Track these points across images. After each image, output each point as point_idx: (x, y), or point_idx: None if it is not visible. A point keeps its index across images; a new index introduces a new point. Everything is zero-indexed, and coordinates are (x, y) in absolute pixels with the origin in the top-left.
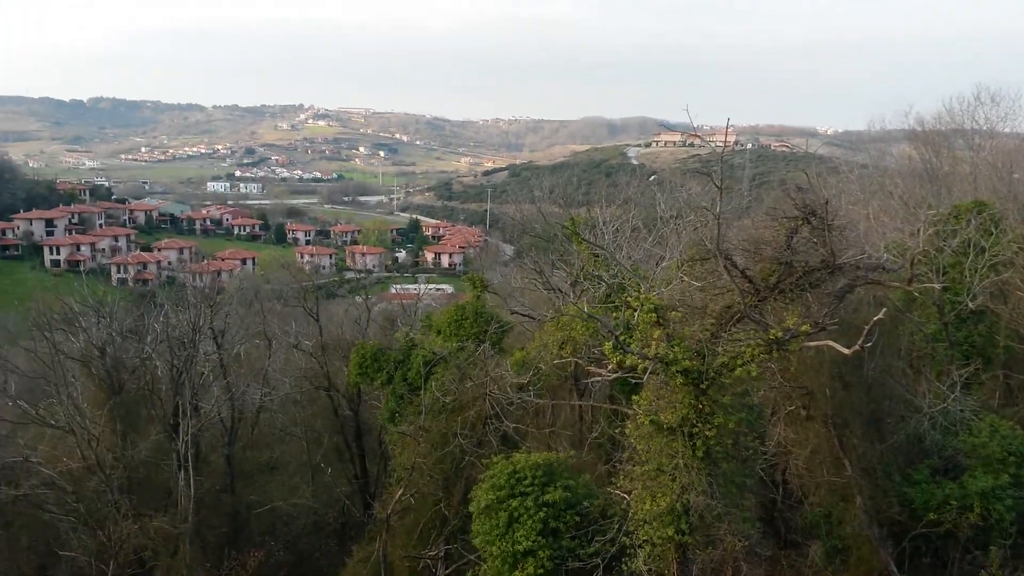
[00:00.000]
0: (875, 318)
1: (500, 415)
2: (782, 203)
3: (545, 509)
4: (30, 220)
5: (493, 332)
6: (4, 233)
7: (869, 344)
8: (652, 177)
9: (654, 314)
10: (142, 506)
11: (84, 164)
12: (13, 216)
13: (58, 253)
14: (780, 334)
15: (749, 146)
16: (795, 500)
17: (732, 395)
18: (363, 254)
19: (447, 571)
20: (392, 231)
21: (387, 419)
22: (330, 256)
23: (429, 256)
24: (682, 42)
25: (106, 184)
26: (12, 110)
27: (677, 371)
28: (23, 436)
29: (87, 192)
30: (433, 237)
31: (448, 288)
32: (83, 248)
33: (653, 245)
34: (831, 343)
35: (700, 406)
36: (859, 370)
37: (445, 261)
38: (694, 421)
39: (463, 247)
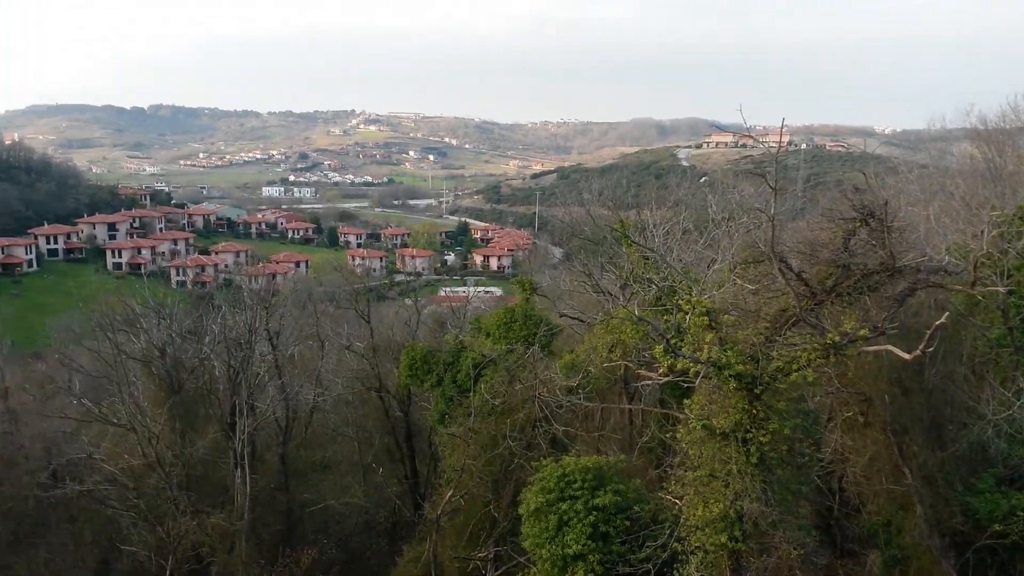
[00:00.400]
0: (937, 322)
1: (549, 418)
2: (839, 204)
3: (595, 513)
4: (93, 224)
5: (542, 335)
6: (69, 237)
7: (930, 349)
8: (703, 179)
9: (706, 317)
10: (200, 503)
11: (145, 170)
12: (77, 220)
13: (120, 256)
14: (837, 338)
15: (803, 146)
16: (852, 508)
17: (787, 400)
18: (413, 257)
19: (497, 573)
20: (441, 234)
21: (437, 420)
22: (381, 259)
23: (478, 259)
24: (734, 41)
25: (166, 189)
26: (77, 118)
27: (730, 375)
28: (87, 433)
29: (148, 197)
30: (482, 240)
31: (497, 291)
32: (144, 251)
33: (704, 248)
34: (891, 348)
35: (754, 411)
36: (919, 376)
37: (494, 264)
38: (748, 426)
39: (512, 250)
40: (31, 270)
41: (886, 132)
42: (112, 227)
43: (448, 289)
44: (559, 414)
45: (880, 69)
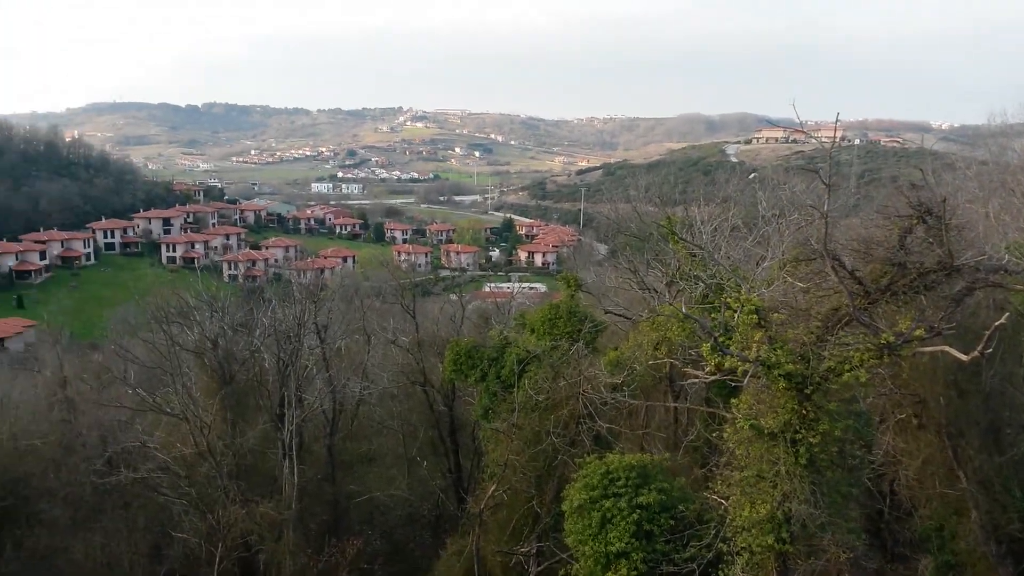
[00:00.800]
0: (996, 323)
1: (593, 415)
2: (894, 201)
3: (639, 511)
4: (149, 219)
5: (587, 331)
6: (125, 231)
7: (988, 351)
8: (753, 175)
9: (755, 315)
10: (249, 492)
11: (198, 166)
12: (133, 215)
13: (174, 250)
14: (892, 338)
15: (857, 142)
16: (904, 512)
17: (838, 401)
18: (458, 253)
19: (539, 568)
20: (486, 230)
21: (480, 415)
22: (426, 254)
23: (522, 255)
24: (786, 35)
25: (218, 185)
26: (134, 115)
27: (780, 375)
28: (141, 422)
29: (201, 193)
30: (526, 236)
31: (541, 287)
32: (197, 246)
33: (753, 245)
34: (947, 349)
35: (804, 412)
36: (976, 378)
37: (538, 260)
38: (797, 427)
39: (556, 246)
40: (89, 263)
41: (943, 127)
42: (167, 222)
43: (492, 285)
44: (603, 411)
45: (937, 63)
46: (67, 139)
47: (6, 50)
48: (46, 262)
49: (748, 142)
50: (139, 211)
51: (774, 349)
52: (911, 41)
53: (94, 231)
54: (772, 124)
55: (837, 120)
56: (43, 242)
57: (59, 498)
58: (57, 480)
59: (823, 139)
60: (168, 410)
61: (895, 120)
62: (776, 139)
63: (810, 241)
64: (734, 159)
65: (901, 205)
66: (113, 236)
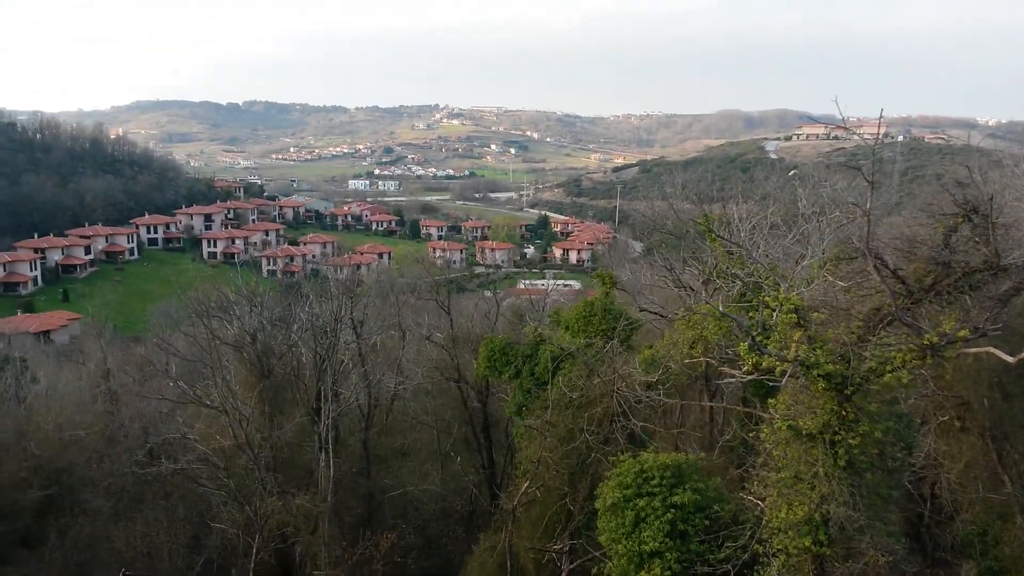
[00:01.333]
0: None
1: (627, 413)
2: (939, 199)
3: (673, 511)
4: (191, 215)
5: (621, 329)
6: (168, 227)
7: None
8: (792, 172)
9: (794, 314)
10: (286, 484)
11: (239, 163)
12: (176, 211)
13: (215, 246)
14: (935, 339)
15: (900, 138)
16: (945, 516)
17: (879, 402)
18: (492, 249)
19: (571, 566)
20: (521, 227)
21: (514, 412)
22: (461, 251)
23: (557, 252)
24: (827, 30)
25: (258, 182)
26: (176, 113)
27: (819, 375)
28: (182, 414)
29: (241, 189)
30: (561, 233)
31: (576, 284)
32: (237, 241)
33: (793, 243)
34: (992, 350)
35: (843, 413)
36: (1022, 380)
37: (573, 257)
38: (836, 428)
39: (591, 243)
40: (132, 258)
41: (990, 124)
42: (208, 218)
43: (527, 282)
44: (637, 409)
45: (985, 58)
46: (112, 136)
47: (55, 49)
48: (91, 257)
49: (788, 139)
50: (181, 207)
51: (814, 349)
52: (958, 35)
53: (137, 227)
54: (813, 120)
55: (881, 116)
56: (88, 237)
57: (102, 488)
58: (100, 470)
59: (866, 135)
60: (208, 403)
61: (940, 116)
62: (817, 136)
63: (852, 239)
64: (773, 156)
65: (946, 203)
66: (156, 232)
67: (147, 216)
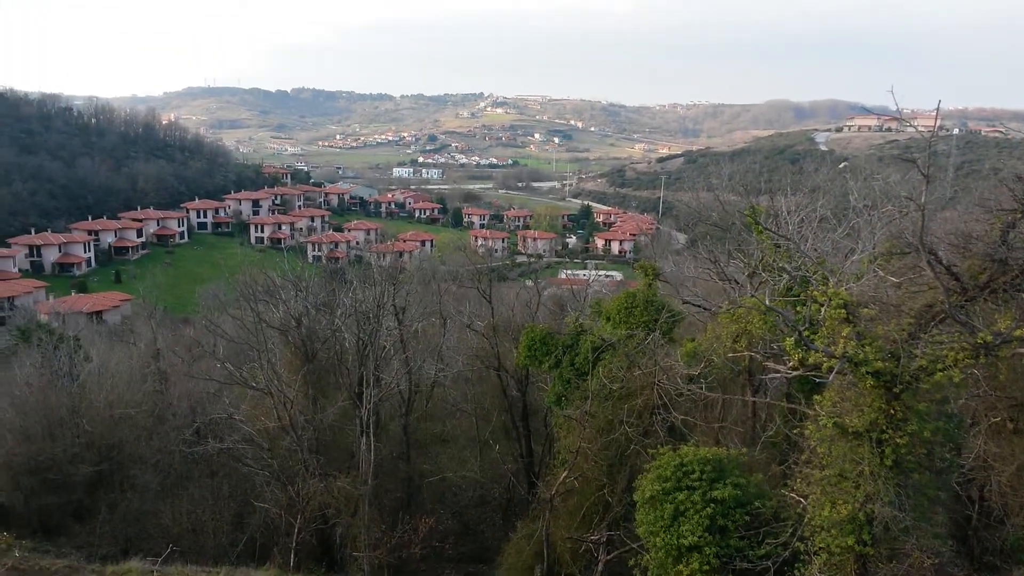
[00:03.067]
0: None
1: (668, 406)
2: (996, 193)
3: (713, 505)
4: (239, 200)
5: (664, 321)
6: (217, 212)
7: None
8: (843, 164)
9: (843, 310)
10: (328, 466)
11: (286, 150)
12: (225, 196)
13: (262, 231)
14: (989, 338)
15: (955, 131)
16: (994, 520)
17: (929, 401)
18: (534, 239)
19: (608, 557)
20: (563, 217)
21: (553, 402)
22: (503, 240)
23: (599, 242)
24: (880, 18)
25: (305, 169)
26: (227, 100)
27: (867, 372)
28: (228, 395)
29: (288, 176)
30: (604, 224)
31: (617, 275)
32: (284, 227)
33: (843, 237)
34: None
35: (891, 411)
36: None
37: (615, 248)
38: (884, 427)
39: (634, 234)
40: (182, 242)
41: None
42: (256, 203)
43: (568, 272)
44: (678, 402)
45: None
46: (164, 122)
47: (110, 36)
48: (143, 239)
49: (839, 130)
50: (230, 192)
51: (862, 345)
52: (1018, 25)
53: (188, 211)
54: (865, 112)
55: (938, 108)
56: (140, 220)
57: (150, 465)
58: (149, 447)
59: (920, 128)
60: (254, 384)
61: (997, 108)
62: (869, 128)
63: (904, 234)
64: (823, 148)
65: (1003, 198)
66: (205, 216)
67: (197, 200)
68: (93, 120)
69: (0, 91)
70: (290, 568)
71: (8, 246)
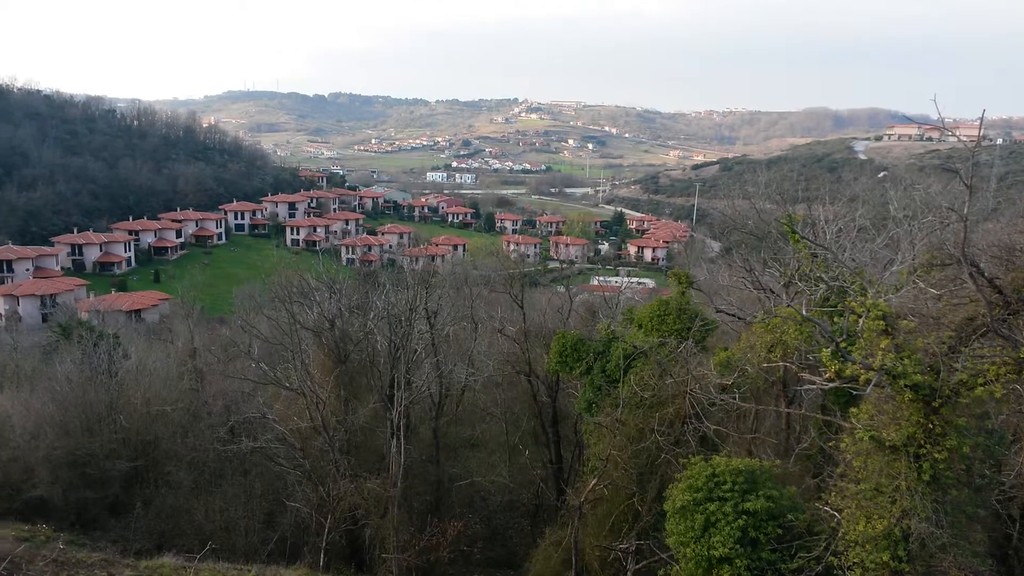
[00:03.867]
0: None
1: (700, 415)
2: None
3: (744, 517)
4: (276, 203)
5: (697, 329)
6: (254, 214)
7: None
8: (882, 173)
9: (882, 321)
10: (358, 468)
11: (323, 153)
12: (262, 199)
13: (298, 233)
14: None
15: (999, 141)
16: None
17: (969, 416)
18: (567, 245)
19: (637, 566)
20: (596, 223)
21: (584, 408)
22: (535, 245)
23: (632, 249)
24: (922, 26)
25: (340, 172)
26: (266, 104)
27: (906, 385)
28: (262, 395)
29: (324, 179)
30: (637, 231)
31: (650, 282)
32: (319, 230)
33: (882, 247)
34: None
35: (930, 425)
36: None
37: (648, 255)
38: (922, 441)
39: (667, 242)
40: (220, 243)
41: None
42: (292, 206)
43: (600, 278)
44: (710, 412)
45: None
46: (204, 125)
47: (154, 40)
48: (181, 240)
49: (878, 139)
50: (267, 195)
51: (901, 358)
52: None
53: (225, 212)
54: (907, 120)
55: (982, 117)
56: (179, 221)
57: (185, 462)
58: (184, 445)
59: (963, 137)
60: (287, 385)
61: None
62: (909, 136)
63: (945, 245)
64: (862, 156)
65: None
66: (243, 218)
67: (235, 203)
68: (135, 122)
69: (47, 93)
70: (320, 568)
71: (51, 245)
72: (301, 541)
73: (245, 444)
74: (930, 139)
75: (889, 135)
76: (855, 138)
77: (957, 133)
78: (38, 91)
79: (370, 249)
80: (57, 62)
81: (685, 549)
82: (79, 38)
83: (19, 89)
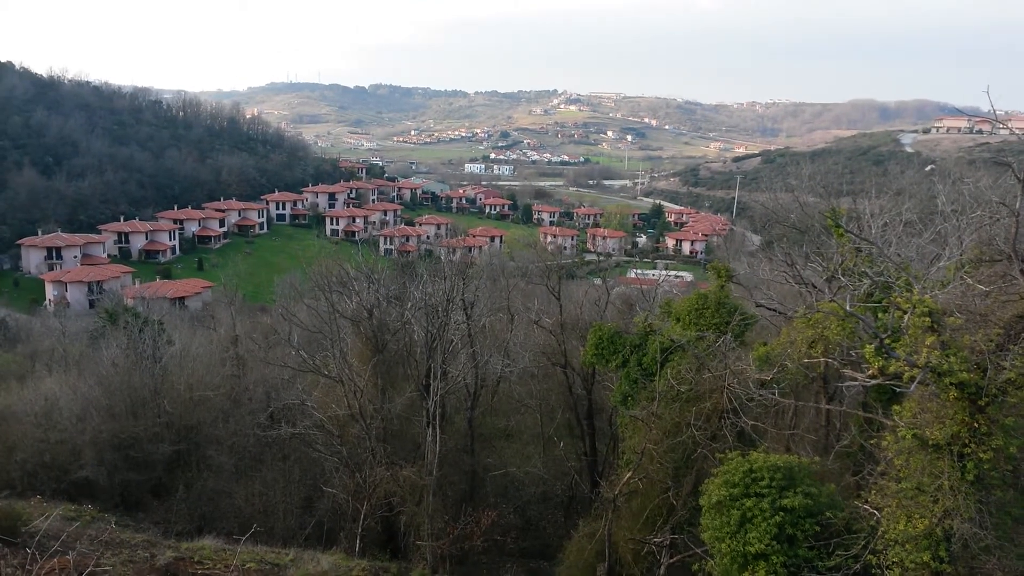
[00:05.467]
0: None
1: (738, 410)
2: None
3: (782, 514)
4: (316, 193)
5: (736, 324)
6: (295, 204)
7: None
8: (930, 167)
9: (928, 318)
10: (394, 456)
11: (363, 145)
12: (303, 189)
13: (337, 224)
14: None
15: None
16: None
17: (1016, 416)
18: (604, 237)
19: (671, 560)
20: (634, 215)
21: (619, 401)
22: (572, 237)
23: (670, 242)
24: (972, 15)
25: (379, 163)
26: (307, 95)
27: (951, 383)
28: (301, 382)
29: (364, 170)
30: (675, 223)
31: (688, 276)
32: (358, 220)
33: (928, 242)
34: None
35: (975, 424)
36: None
37: (686, 248)
38: (966, 440)
39: (707, 235)
40: (262, 232)
41: None
42: (332, 197)
43: (637, 271)
44: (748, 407)
45: None
46: (247, 116)
47: (200, 32)
48: (224, 229)
49: (926, 131)
50: (308, 185)
51: (947, 355)
52: None
53: (267, 202)
54: (957, 112)
55: None
56: (223, 211)
57: (226, 446)
58: (225, 430)
59: (1015, 129)
60: (326, 372)
61: None
62: (959, 129)
63: (995, 241)
64: (909, 149)
65: None
66: (284, 208)
67: (276, 193)
68: (181, 113)
69: (96, 84)
70: (355, 554)
71: (99, 233)
72: (337, 527)
73: (284, 430)
74: (980, 132)
75: (937, 127)
76: (902, 130)
77: (1010, 125)
78: (87, 82)
79: (408, 240)
80: (106, 54)
81: (720, 544)
82: (128, 30)
83: (70, 81)
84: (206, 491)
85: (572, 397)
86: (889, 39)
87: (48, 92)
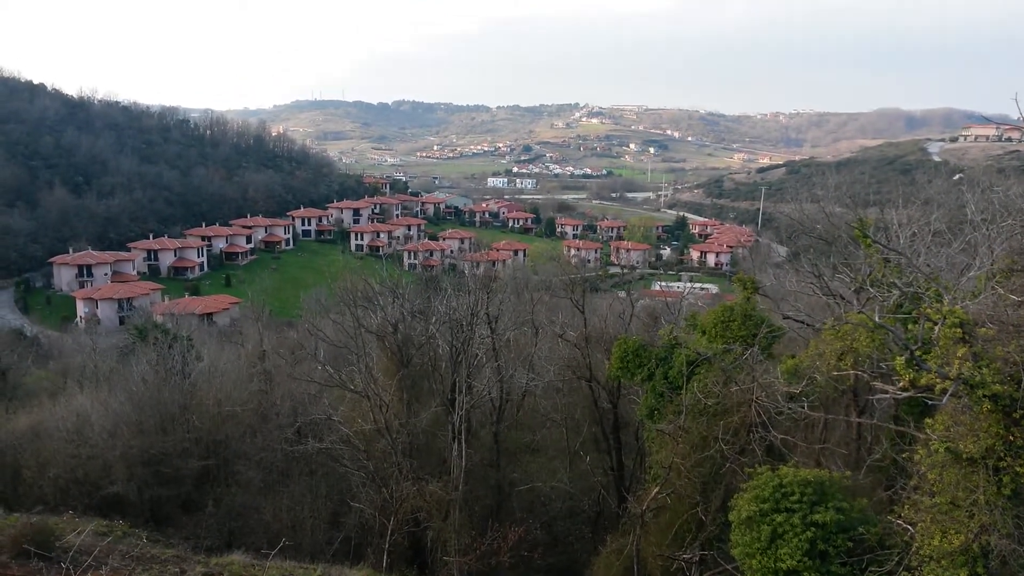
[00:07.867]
0: None
1: (766, 424)
2: None
3: (813, 529)
4: (341, 209)
5: (763, 336)
6: (320, 220)
7: None
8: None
9: (959, 329)
10: (420, 470)
11: (386, 160)
12: (328, 205)
13: (362, 239)
14: None
15: None
16: None
17: None
18: (627, 250)
19: None
20: (658, 228)
21: (645, 415)
22: (596, 250)
23: (694, 254)
24: (1000, 22)
25: (403, 179)
26: (331, 112)
27: (984, 395)
28: (328, 397)
29: (387, 186)
30: (700, 235)
31: (713, 288)
32: (382, 235)
33: (958, 252)
34: None
35: (1010, 438)
36: None
37: (711, 260)
38: (1001, 454)
39: (732, 246)
40: (287, 248)
41: None
42: (356, 212)
43: (662, 284)
44: (777, 421)
45: None
46: (273, 133)
47: (226, 52)
48: (251, 245)
49: (954, 140)
50: (333, 201)
51: (979, 367)
52: None
53: (293, 219)
54: (985, 120)
55: None
56: (249, 227)
57: (254, 461)
58: (253, 445)
59: None
60: (352, 387)
61: None
62: (987, 137)
63: None
64: (937, 158)
65: None
66: (309, 224)
67: (302, 209)
68: (208, 132)
69: (125, 104)
70: (383, 569)
71: (128, 250)
72: (365, 542)
73: (311, 445)
74: (1009, 140)
75: (965, 136)
76: (929, 139)
77: None
78: (117, 102)
79: (432, 254)
80: (135, 74)
81: (751, 561)
82: (156, 51)
83: (99, 101)
84: (234, 506)
85: (598, 411)
86: (915, 47)
87: (78, 112)
